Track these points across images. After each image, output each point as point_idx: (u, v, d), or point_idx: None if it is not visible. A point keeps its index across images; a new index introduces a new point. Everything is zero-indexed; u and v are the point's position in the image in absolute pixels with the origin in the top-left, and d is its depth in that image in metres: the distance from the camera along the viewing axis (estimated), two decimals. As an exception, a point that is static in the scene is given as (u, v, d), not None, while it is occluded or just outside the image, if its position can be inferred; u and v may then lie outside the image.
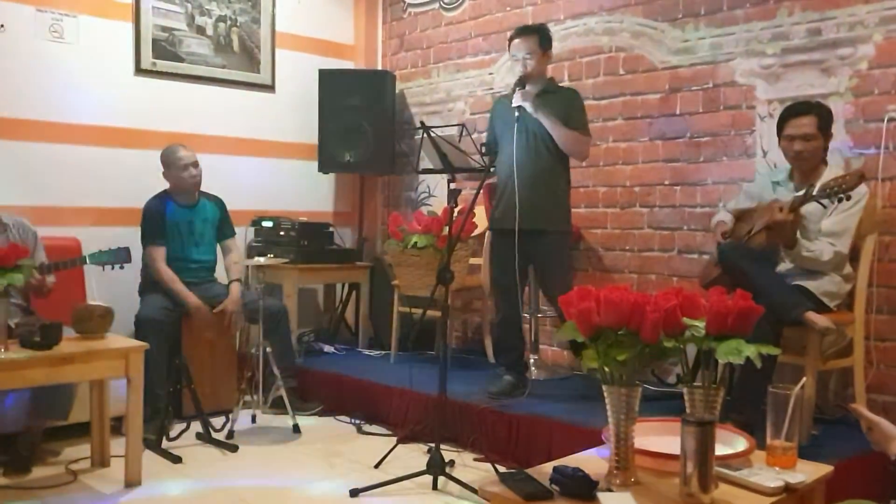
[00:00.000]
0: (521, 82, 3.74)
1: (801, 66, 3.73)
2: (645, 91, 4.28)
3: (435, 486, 3.21)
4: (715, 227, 3.50)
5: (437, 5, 5.47)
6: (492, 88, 5.10)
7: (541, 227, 3.77)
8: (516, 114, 3.73)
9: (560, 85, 3.96)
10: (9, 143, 4.22)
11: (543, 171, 3.78)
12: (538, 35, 3.82)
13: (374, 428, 4.13)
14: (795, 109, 3.27)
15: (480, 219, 4.53)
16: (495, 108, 4.09)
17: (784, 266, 3.25)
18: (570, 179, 3.96)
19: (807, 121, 3.21)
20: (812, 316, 3.00)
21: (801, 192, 3.08)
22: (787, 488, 1.72)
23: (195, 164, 4.30)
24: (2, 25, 4.22)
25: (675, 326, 1.68)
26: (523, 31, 3.86)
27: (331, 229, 5.29)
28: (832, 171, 3.23)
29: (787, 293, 3.08)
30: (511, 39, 3.88)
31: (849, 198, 2.98)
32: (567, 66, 4.67)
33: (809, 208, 3.10)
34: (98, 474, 3.43)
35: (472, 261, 4.68)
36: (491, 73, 5.11)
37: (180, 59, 4.92)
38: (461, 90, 5.31)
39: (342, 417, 4.31)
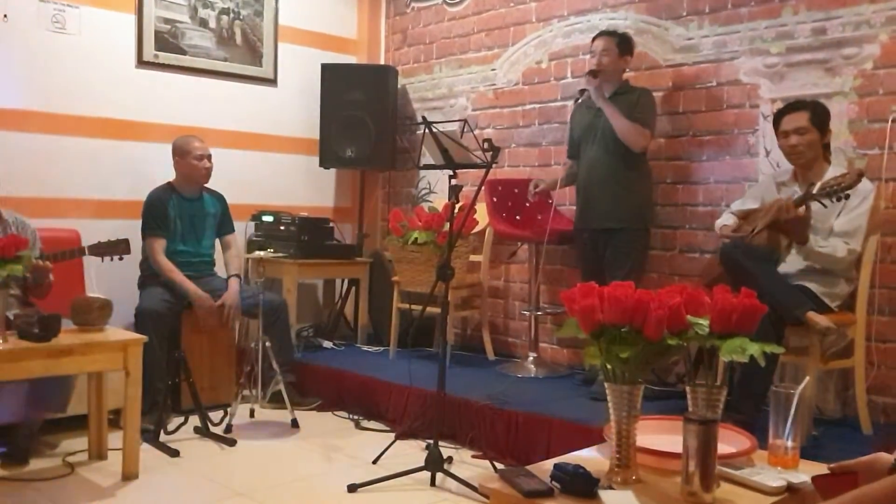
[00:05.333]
0: (592, 73, 3.88)
1: (806, 65, 3.71)
2: (648, 88, 4.25)
3: (433, 483, 3.21)
4: (720, 230, 3.49)
5: (440, 0, 5.45)
6: (494, 84, 5.08)
7: (610, 226, 3.90)
8: (591, 117, 3.93)
9: (634, 86, 4.00)
10: (10, 133, 4.20)
11: (617, 169, 3.89)
12: (617, 37, 3.96)
13: (373, 424, 4.13)
14: (789, 107, 3.32)
15: (481, 215, 4.52)
16: (574, 115, 4.19)
17: (786, 266, 3.24)
18: (651, 178, 4.03)
19: (799, 115, 3.24)
20: (813, 316, 2.99)
21: (802, 193, 3.08)
22: (790, 488, 1.71)
23: (209, 157, 4.33)
24: (5, 16, 4.20)
25: (679, 324, 1.67)
26: (604, 33, 4.03)
27: (331, 225, 5.28)
28: (835, 170, 3.22)
29: (789, 293, 3.07)
30: (593, 39, 4.01)
31: (847, 196, 2.97)
32: (570, 63, 4.66)
33: (815, 207, 3.08)
34: (95, 467, 3.42)
35: (473, 257, 4.67)
36: (493, 69, 5.10)
37: (182, 52, 4.90)
38: (463, 86, 5.29)
39: (340, 413, 4.30)
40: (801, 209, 3.03)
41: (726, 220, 3.53)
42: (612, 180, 3.90)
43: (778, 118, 3.33)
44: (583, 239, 4.06)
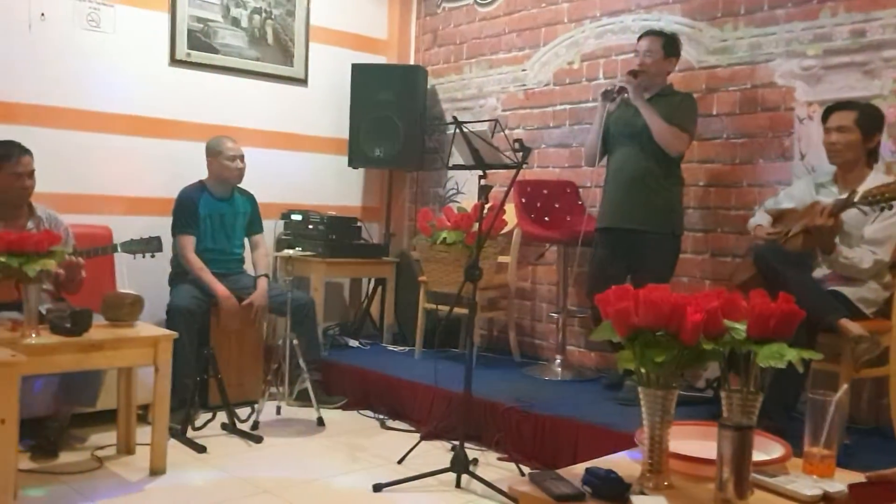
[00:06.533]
0: (633, 72, 3.78)
1: (844, 67, 3.65)
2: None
3: (458, 485, 3.20)
4: (753, 230, 3.44)
5: (471, 1, 5.44)
6: (524, 85, 5.06)
7: (635, 227, 3.75)
8: (630, 115, 3.79)
9: (677, 90, 3.90)
10: (44, 130, 4.24)
11: (649, 170, 3.75)
12: (663, 38, 3.83)
13: (398, 423, 4.13)
14: (840, 104, 3.26)
15: (510, 216, 4.51)
16: (613, 111, 4.00)
17: (821, 271, 3.19)
18: (683, 185, 3.88)
19: (846, 114, 3.18)
20: (846, 323, 2.94)
21: (843, 197, 3.02)
22: (826, 497, 1.68)
23: (241, 157, 4.36)
24: (42, 14, 4.25)
25: (715, 328, 1.64)
26: (651, 32, 3.89)
27: (359, 224, 5.29)
28: (875, 176, 3.16)
29: (823, 298, 3.02)
30: (638, 38, 3.91)
31: (891, 207, 2.91)
32: (602, 64, 4.63)
33: (851, 213, 3.03)
34: (123, 461, 3.45)
35: (500, 258, 4.65)
36: (524, 70, 5.08)
37: (215, 51, 4.93)
38: (493, 86, 5.28)
39: (366, 412, 4.31)
40: (831, 220, 2.98)
41: (760, 219, 3.47)
42: (643, 181, 3.75)
43: (826, 114, 3.27)
44: (603, 238, 3.89)
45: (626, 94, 3.80)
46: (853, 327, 2.93)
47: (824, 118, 3.28)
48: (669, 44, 3.83)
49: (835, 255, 3.05)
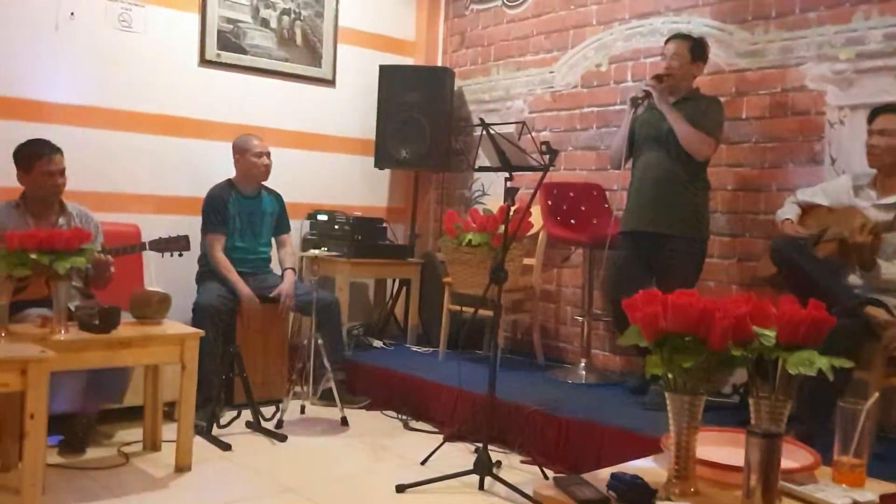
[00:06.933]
0: (658, 76, 3.76)
1: (877, 71, 3.60)
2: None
3: (482, 487, 3.19)
4: (781, 224, 3.39)
5: (499, 2, 5.44)
6: (552, 87, 5.05)
7: (660, 231, 3.72)
8: (657, 119, 3.77)
9: (704, 94, 3.87)
10: (75, 129, 4.29)
11: (675, 174, 3.73)
12: (690, 42, 3.80)
13: (421, 424, 4.12)
14: (887, 106, 3.20)
15: (535, 218, 4.49)
16: (638, 116, 3.96)
17: (856, 279, 3.14)
18: (709, 190, 3.85)
19: (891, 118, 3.12)
20: (872, 309, 2.89)
21: (889, 218, 2.97)
22: (855, 507, 1.66)
23: (268, 154, 4.40)
24: (72, 13, 4.30)
25: (744, 334, 1.63)
26: (678, 35, 3.88)
27: (384, 225, 5.31)
28: None
29: (847, 288, 2.99)
30: (665, 41, 3.89)
31: None
32: (630, 67, 4.61)
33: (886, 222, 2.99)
34: (149, 458, 3.48)
35: (526, 261, 4.64)
36: (552, 72, 5.06)
37: (244, 52, 4.97)
38: (520, 88, 5.27)
39: (389, 412, 4.31)
40: (870, 237, 2.93)
41: (789, 211, 3.42)
42: (668, 184, 3.73)
43: (872, 116, 3.22)
44: (626, 241, 3.87)
45: (651, 99, 3.78)
46: (879, 313, 2.88)
47: (870, 120, 3.22)
48: (697, 48, 3.80)
49: (874, 271, 3.01)
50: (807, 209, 3.35)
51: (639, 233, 3.81)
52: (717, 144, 3.80)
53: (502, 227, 3.51)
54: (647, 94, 3.77)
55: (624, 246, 3.90)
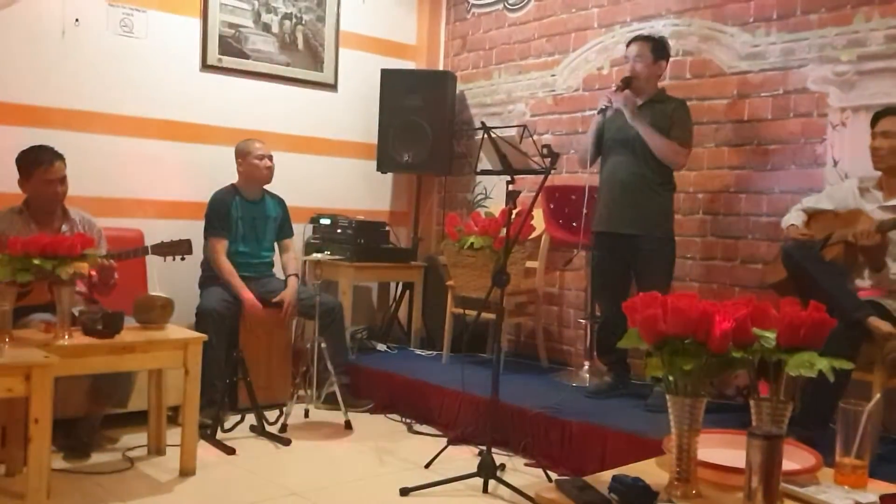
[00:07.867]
0: (626, 81, 3.83)
1: (878, 73, 3.60)
2: (712, 96, 4.19)
3: (485, 489, 3.19)
4: (787, 230, 3.41)
5: (501, 6, 5.44)
6: (553, 90, 5.06)
7: (632, 232, 3.81)
8: (623, 122, 3.83)
9: (669, 95, 3.93)
10: (78, 134, 4.31)
11: (642, 175, 3.80)
12: (652, 43, 3.87)
13: (425, 428, 4.13)
14: (888, 109, 3.21)
15: (538, 221, 4.50)
16: (609, 118, 4.02)
17: (860, 282, 3.14)
18: (674, 189, 3.91)
19: (895, 120, 3.13)
20: (875, 321, 2.90)
21: (889, 205, 2.97)
22: (858, 508, 1.66)
23: (270, 157, 4.42)
24: (76, 20, 4.32)
25: (744, 337, 1.63)
26: (639, 37, 3.95)
27: (387, 228, 5.31)
28: None
29: (852, 297, 2.99)
30: (627, 44, 3.96)
31: None
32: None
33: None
34: (154, 462, 3.49)
35: (528, 263, 4.64)
36: (553, 75, 5.07)
37: (246, 56, 4.98)
38: (522, 92, 5.27)
39: (393, 416, 4.31)
40: (878, 237, 2.93)
41: (795, 218, 3.43)
42: (636, 186, 3.81)
43: (876, 118, 3.22)
44: (599, 241, 3.97)
45: (610, 112, 3.88)
46: (883, 325, 2.89)
47: (873, 122, 3.22)
48: (658, 48, 3.87)
49: (884, 272, 3.01)
50: (813, 215, 3.36)
51: (610, 234, 3.90)
52: (690, 150, 3.86)
53: (504, 231, 3.52)
54: (606, 108, 3.86)
55: (598, 246, 4.00)
